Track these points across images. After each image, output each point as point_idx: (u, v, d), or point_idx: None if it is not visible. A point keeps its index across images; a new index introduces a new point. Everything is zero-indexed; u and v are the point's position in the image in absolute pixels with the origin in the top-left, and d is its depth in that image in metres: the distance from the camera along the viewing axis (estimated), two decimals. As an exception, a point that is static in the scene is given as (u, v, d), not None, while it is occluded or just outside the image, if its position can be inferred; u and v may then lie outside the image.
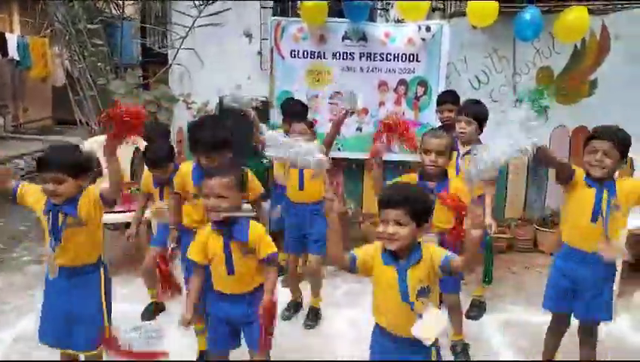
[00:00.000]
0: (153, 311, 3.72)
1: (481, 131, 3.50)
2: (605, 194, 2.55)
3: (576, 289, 2.69)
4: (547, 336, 2.96)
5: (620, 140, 2.56)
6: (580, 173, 2.64)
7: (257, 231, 2.42)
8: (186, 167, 3.01)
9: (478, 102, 3.64)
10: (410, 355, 2.13)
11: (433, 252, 2.11)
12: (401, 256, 2.10)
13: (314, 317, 3.68)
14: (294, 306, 3.81)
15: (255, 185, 3.09)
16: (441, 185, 2.79)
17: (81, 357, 2.59)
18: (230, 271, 2.42)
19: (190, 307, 2.42)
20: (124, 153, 4.70)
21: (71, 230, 2.39)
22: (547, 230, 4.87)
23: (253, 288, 2.47)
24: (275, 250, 2.44)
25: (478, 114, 3.46)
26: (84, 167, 2.43)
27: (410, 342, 2.10)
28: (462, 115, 3.50)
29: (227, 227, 2.39)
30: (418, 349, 2.11)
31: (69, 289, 2.46)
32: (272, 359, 2.57)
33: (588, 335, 2.78)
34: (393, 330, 2.15)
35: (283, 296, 3.87)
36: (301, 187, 3.53)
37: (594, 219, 2.56)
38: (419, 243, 2.12)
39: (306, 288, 3.84)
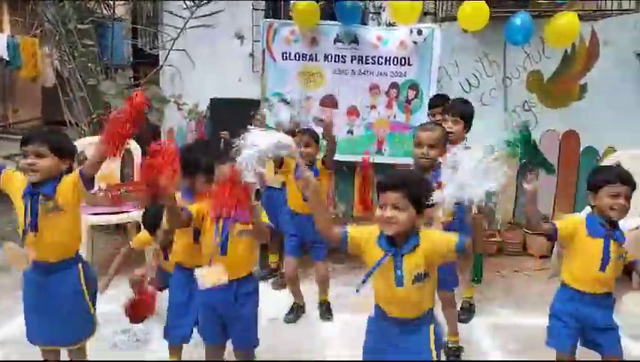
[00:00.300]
0: None
1: (469, 129, 3.51)
2: (613, 245, 2.53)
3: (584, 328, 2.64)
4: None
5: (635, 184, 2.57)
6: (572, 227, 2.60)
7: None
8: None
9: (464, 101, 3.64)
10: (409, 335, 2.13)
11: (437, 238, 2.07)
12: (398, 242, 2.07)
13: (328, 310, 3.77)
14: (297, 309, 3.79)
15: None
16: (437, 173, 2.74)
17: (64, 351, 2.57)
18: (223, 250, 2.42)
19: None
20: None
21: (48, 216, 2.34)
22: (536, 234, 4.85)
23: (241, 276, 2.47)
24: (268, 223, 2.46)
25: (463, 113, 3.46)
26: (66, 147, 2.41)
27: (408, 323, 2.12)
28: (448, 114, 3.49)
29: None
30: (416, 329, 2.13)
31: (49, 285, 2.42)
32: (273, 360, 2.54)
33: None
34: (391, 314, 2.14)
35: (273, 297, 3.89)
36: (304, 197, 3.52)
37: (603, 269, 2.54)
38: (417, 230, 2.09)
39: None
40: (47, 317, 2.43)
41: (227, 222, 2.41)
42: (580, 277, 2.60)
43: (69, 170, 2.42)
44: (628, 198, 2.53)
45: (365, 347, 2.25)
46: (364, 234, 2.14)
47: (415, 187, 2.05)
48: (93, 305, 2.56)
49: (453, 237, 2.05)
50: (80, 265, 2.50)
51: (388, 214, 2.01)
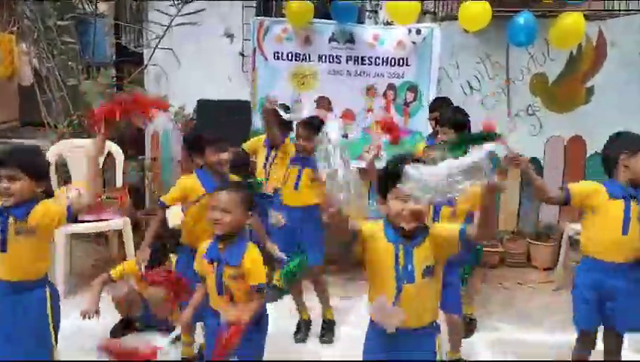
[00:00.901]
0: (122, 327, 3.59)
1: None
2: (634, 204, 2.57)
3: (605, 301, 2.65)
4: (575, 356, 2.87)
5: None
6: (589, 189, 2.67)
7: (252, 257, 2.44)
8: (190, 178, 3.07)
9: (457, 111, 3.49)
10: (415, 345, 2.08)
11: (442, 228, 2.09)
12: (409, 235, 2.03)
13: (329, 330, 3.63)
14: (305, 325, 3.67)
15: None
16: None
17: None
18: (219, 291, 2.45)
19: (188, 315, 2.51)
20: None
21: (18, 238, 2.37)
22: (541, 244, 4.79)
23: None
24: (265, 281, 2.44)
25: (455, 123, 3.31)
26: (40, 169, 2.46)
27: (414, 331, 2.06)
28: (439, 125, 3.44)
29: (225, 243, 2.45)
30: (422, 339, 2.10)
31: (13, 307, 2.40)
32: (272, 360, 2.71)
33: (616, 344, 2.77)
34: None
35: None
36: (296, 188, 3.50)
37: (625, 231, 2.57)
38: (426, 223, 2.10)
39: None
40: (4, 340, 2.40)
41: (221, 267, 2.44)
42: (601, 243, 2.63)
43: (47, 193, 2.51)
44: None
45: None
46: (369, 229, 2.09)
47: None
48: (56, 333, 2.54)
49: (457, 226, 2.06)
50: (47, 290, 2.49)
51: (411, 207, 1.94)
